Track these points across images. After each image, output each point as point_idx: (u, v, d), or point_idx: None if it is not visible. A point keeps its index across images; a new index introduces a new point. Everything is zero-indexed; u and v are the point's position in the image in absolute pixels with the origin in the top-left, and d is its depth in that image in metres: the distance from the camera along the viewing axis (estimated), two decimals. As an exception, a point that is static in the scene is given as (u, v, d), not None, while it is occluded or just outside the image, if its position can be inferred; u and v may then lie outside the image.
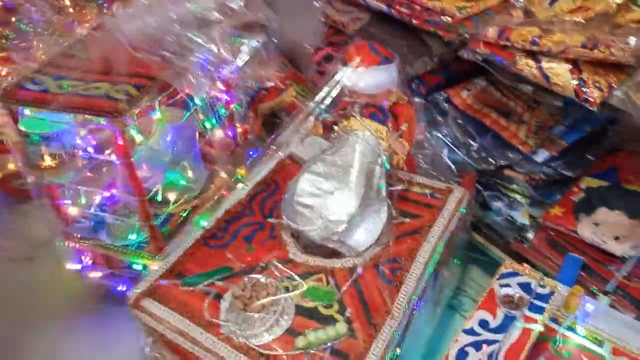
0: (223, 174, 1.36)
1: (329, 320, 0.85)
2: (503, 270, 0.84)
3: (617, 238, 1.07)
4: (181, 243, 1.01)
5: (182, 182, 1.27)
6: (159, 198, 1.20)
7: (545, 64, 1.07)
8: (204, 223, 1.09)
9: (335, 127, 1.04)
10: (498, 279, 0.83)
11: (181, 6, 1.09)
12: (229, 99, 1.36)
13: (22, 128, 1.09)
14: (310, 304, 0.88)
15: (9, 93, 1.04)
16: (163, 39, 1.08)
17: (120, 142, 1.01)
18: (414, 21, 1.27)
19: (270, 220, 1.00)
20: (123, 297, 0.93)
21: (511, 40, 1.10)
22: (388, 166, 0.97)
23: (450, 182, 1.13)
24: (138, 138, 1.12)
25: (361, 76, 0.96)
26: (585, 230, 1.11)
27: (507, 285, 0.82)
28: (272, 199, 1.10)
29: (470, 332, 0.77)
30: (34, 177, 1.14)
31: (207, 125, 1.30)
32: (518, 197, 1.25)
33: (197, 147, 1.30)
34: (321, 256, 0.97)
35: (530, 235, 1.23)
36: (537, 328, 0.77)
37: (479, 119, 1.30)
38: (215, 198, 1.31)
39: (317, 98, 0.99)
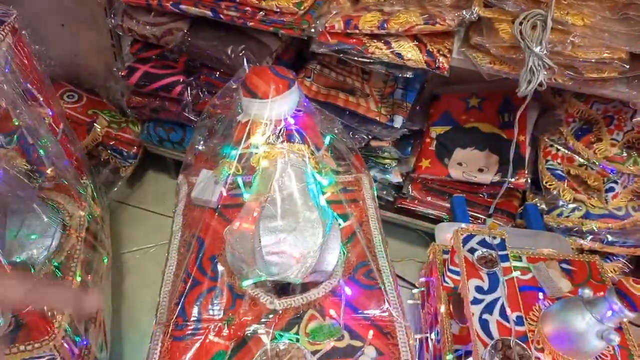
0: (80, 211, 1.16)
1: (355, 352, 0.86)
2: (461, 236, 0.96)
3: (481, 170, 1.31)
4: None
5: (32, 237, 1.06)
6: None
7: (394, 44, 1.18)
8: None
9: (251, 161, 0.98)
10: (463, 247, 0.95)
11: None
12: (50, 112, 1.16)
13: None
14: (327, 347, 0.87)
15: None
16: None
17: None
18: (249, 23, 1.23)
19: (245, 285, 0.91)
20: None
21: (359, 27, 1.18)
22: (330, 181, 0.98)
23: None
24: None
25: (279, 105, 0.91)
26: (456, 172, 1.32)
27: (474, 250, 0.95)
28: (206, 257, 1.00)
29: (475, 301, 0.88)
30: None
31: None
32: (388, 161, 1.39)
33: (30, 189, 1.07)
34: (293, 290, 0.95)
35: (407, 189, 1.41)
36: (515, 274, 0.93)
37: (332, 103, 1.37)
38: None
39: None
